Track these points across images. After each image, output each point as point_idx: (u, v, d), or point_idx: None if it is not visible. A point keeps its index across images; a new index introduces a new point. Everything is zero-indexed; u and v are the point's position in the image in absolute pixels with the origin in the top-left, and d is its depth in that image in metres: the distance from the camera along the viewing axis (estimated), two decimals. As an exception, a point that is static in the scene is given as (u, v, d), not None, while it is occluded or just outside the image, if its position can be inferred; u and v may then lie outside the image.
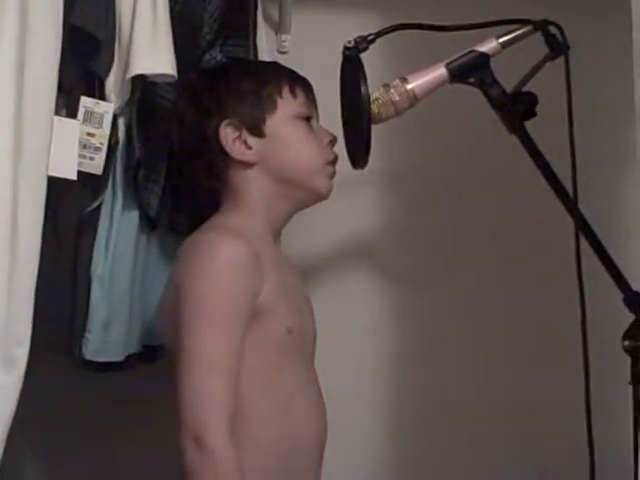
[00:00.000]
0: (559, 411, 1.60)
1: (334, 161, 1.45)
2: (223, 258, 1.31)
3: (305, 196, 1.45)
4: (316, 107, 1.49)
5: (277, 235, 1.45)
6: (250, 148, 1.41)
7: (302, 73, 1.50)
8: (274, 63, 1.54)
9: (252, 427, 1.30)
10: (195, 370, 1.25)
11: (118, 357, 1.46)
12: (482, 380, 1.88)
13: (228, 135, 1.40)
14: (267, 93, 1.42)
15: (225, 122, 1.40)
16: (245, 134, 1.41)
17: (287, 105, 1.43)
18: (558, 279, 1.38)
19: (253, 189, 1.41)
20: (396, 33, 1.41)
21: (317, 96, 1.49)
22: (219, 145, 1.40)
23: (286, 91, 1.43)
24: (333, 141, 1.46)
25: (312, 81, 1.50)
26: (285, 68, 1.49)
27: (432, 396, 1.88)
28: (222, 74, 1.47)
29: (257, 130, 1.41)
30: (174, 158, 1.48)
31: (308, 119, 1.45)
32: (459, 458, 1.84)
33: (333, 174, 1.45)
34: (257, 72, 1.47)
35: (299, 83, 1.46)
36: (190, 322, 1.27)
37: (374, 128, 1.37)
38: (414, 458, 1.85)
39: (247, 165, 1.41)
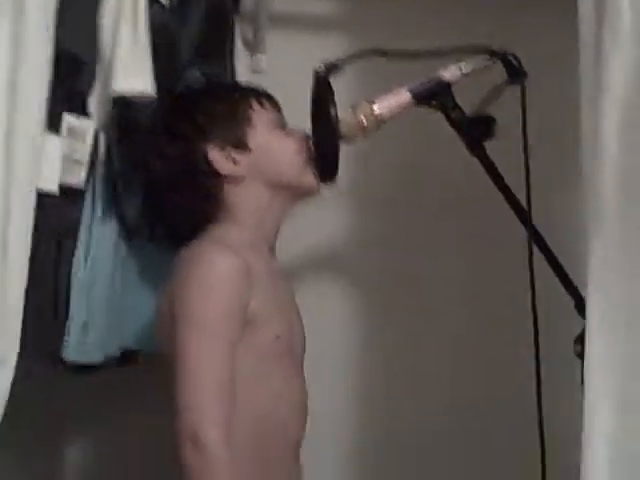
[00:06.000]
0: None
1: (312, 156, 1.49)
2: (216, 271, 1.36)
3: (297, 194, 1.51)
4: (281, 112, 1.55)
5: (271, 245, 1.51)
6: (238, 163, 1.48)
7: (277, 91, 1.56)
8: (235, 82, 1.62)
9: (242, 423, 1.35)
10: (191, 379, 1.31)
11: (96, 358, 1.49)
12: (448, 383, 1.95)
13: (216, 156, 1.47)
14: (240, 110, 1.49)
15: (210, 145, 1.47)
16: (231, 151, 1.47)
17: (261, 116, 1.50)
18: (515, 287, 1.46)
19: (248, 201, 1.47)
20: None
21: (292, 113, 1.55)
22: (211, 168, 1.47)
23: (255, 104, 1.51)
24: (307, 137, 1.50)
25: (287, 98, 1.56)
26: (245, 85, 1.57)
27: (401, 392, 1.95)
28: (192, 102, 1.52)
29: (242, 145, 1.48)
30: (157, 186, 1.51)
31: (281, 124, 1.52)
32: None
33: (315, 172, 1.49)
34: (224, 93, 1.55)
35: (262, 95, 1.53)
36: (186, 332, 1.33)
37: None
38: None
39: (239, 180, 1.47)
